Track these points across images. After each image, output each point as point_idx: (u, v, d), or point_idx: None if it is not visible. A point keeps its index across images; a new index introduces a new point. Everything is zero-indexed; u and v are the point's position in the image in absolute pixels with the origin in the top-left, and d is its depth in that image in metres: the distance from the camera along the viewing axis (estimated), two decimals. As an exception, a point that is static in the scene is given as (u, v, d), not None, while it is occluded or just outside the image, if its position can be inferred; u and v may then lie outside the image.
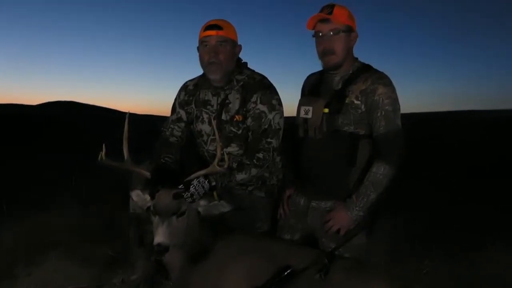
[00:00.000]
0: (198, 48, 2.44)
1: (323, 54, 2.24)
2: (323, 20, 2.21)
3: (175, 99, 2.64)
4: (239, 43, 2.46)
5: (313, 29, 2.26)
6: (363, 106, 2.18)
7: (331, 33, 2.19)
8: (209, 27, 2.36)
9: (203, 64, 2.42)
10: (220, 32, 2.34)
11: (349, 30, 2.22)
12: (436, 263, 2.38)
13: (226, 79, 2.43)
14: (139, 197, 2.02)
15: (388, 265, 2.26)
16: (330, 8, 2.19)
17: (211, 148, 2.52)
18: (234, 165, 2.22)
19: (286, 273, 1.72)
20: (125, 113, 2.06)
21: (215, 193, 2.06)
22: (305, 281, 1.74)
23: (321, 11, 2.21)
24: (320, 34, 2.23)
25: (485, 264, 2.41)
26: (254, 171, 2.27)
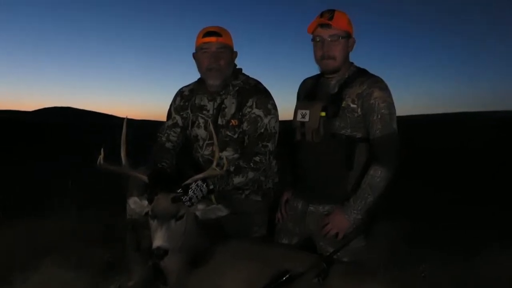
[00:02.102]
0: (194, 55, 2.46)
1: (321, 59, 2.25)
2: (323, 25, 2.21)
3: (171, 105, 2.65)
4: (234, 49, 2.48)
5: (312, 33, 2.27)
6: (359, 110, 2.19)
7: (331, 38, 2.20)
8: (208, 33, 2.37)
9: (202, 69, 2.44)
10: (220, 39, 2.36)
11: (348, 36, 2.23)
12: (435, 266, 2.38)
13: (223, 85, 2.44)
14: (136, 204, 2.02)
15: (386, 268, 2.26)
16: (330, 13, 2.19)
17: (206, 152, 2.53)
18: (232, 168, 2.22)
19: (284, 277, 1.72)
20: (122, 118, 2.06)
21: (213, 197, 2.06)
22: (303, 285, 1.74)
23: (322, 16, 2.21)
24: (318, 39, 2.23)
25: (484, 267, 2.42)
26: (251, 174, 2.28)
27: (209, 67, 2.38)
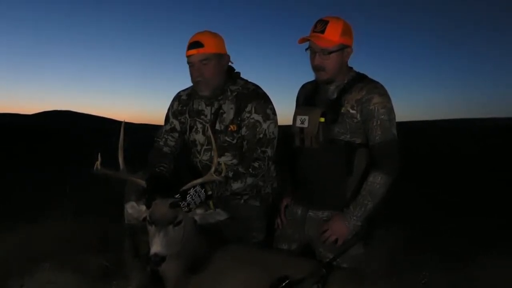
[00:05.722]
0: None
1: (314, 69, 2.25)
2: (315, 37, 2.17)
3: (168, 109, 2.63)
4: (228, 52, 2.43)
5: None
6: (358, 116, 2.18)
7: (322, 52, 2.16)
8: (190, 45, 2.33)
9: (192, 82, 2.43)
10: (201, 50, 2.30)
11: (342, 48, 2.18)
12: (434, 274, 2.37)
13: (218, 92, 2.42)
14: (134, 208, 2.01)
15: (385, 275, 2.25)
16: (323, 25, 2.15)
17: (204, 158, 2.52)
18: (230, 174, 2.21)
19: (283, 284, 1.71)
20: (121, 122, 2.05)
21: (211, 202, 2.05)
22: (302, 291, 1.73)
23: (315, 26, 2.18)
24: (312, 50, 2.21)
25: (483, 275, 2.40)
26: (249, 180, 2.27)
27: (195, 80, 2.36)
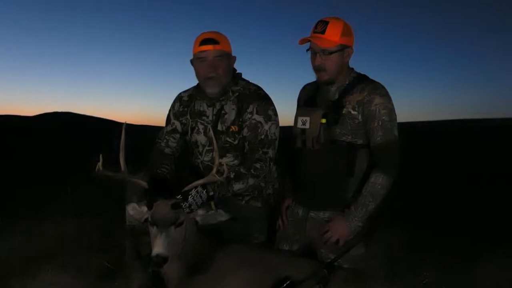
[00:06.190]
0: (191, 61, 2.43)
1: (315, 70, 2.25)
2: (316, 38, 2.18)
3: (170, 110, 2.63)
4: (233, 54, 2.45)
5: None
6: (360, 117, 2.19)
7: (323, 53, 2.18)
8: (204, 41, 2.33)
9: (200, 78, 2.42)
10: (217, 47, 2.32)
11: (343, 48, 2.19)
12: (435, 274, 2.37)
13: (222, 91, 2.43)
14: (135, 210, 2.00)
15: (387, 276, 2.25)
16: (323, 26, 2.16)
17: (206, 159, 2.52)
18: (232, 175, 2.21)
19: (285, 284, 1.72)
20: (121, 123, 2.06)
21: (212, 203, 2.05)
22: (304, 292, 1.73)
23: (315, 27, 2.19)
24: (312, 51, 2.22)
25: (485, 276, 2.41)
26: (251, 181, 2.26)
27: (207, 76, 2.36)
